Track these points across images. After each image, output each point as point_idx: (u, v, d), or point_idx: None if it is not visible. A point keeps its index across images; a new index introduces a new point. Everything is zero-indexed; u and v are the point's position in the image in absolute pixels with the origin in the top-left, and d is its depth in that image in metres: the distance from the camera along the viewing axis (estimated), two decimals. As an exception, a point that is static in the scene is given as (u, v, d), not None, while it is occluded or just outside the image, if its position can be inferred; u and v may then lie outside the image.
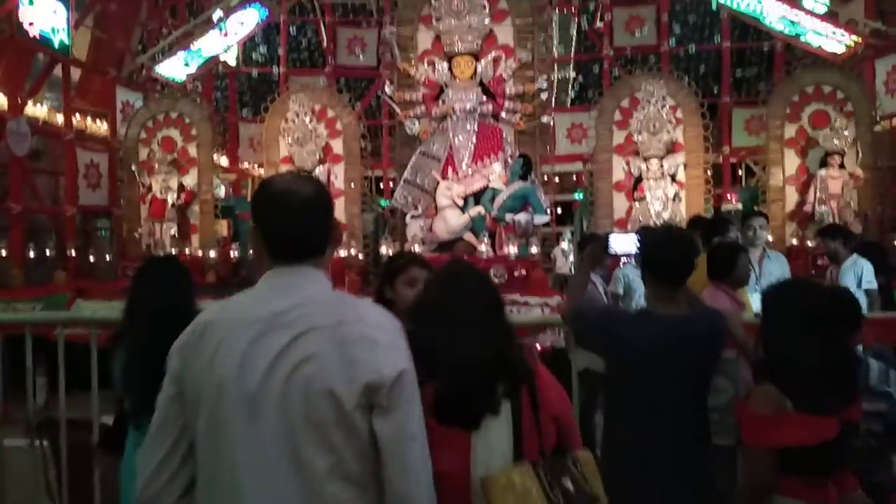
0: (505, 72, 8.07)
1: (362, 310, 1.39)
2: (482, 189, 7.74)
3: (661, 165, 8.27)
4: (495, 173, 7.73)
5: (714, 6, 11.21)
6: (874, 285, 4.64)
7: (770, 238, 6.54)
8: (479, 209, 7.62)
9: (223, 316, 1.38)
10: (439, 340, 1.68)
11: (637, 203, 8.36)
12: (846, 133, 8.39)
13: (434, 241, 7.74)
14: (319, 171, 9.10)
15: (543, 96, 8.58)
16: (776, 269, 4.41)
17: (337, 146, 9.43)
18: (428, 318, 1.76)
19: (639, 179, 8.40)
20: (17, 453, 3.35)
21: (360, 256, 8.94)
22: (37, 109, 9.42)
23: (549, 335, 5.24)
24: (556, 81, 14.32)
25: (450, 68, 8.04)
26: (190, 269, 2.77)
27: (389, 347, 1.33)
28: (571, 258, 11.36)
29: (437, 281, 1.91)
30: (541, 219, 7.63)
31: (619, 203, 8.62)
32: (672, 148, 8.40)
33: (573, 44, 16.22)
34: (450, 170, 7.89)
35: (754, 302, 3.36)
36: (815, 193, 8.36)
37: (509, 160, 7.77)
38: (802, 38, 9.77)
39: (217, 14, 11.27)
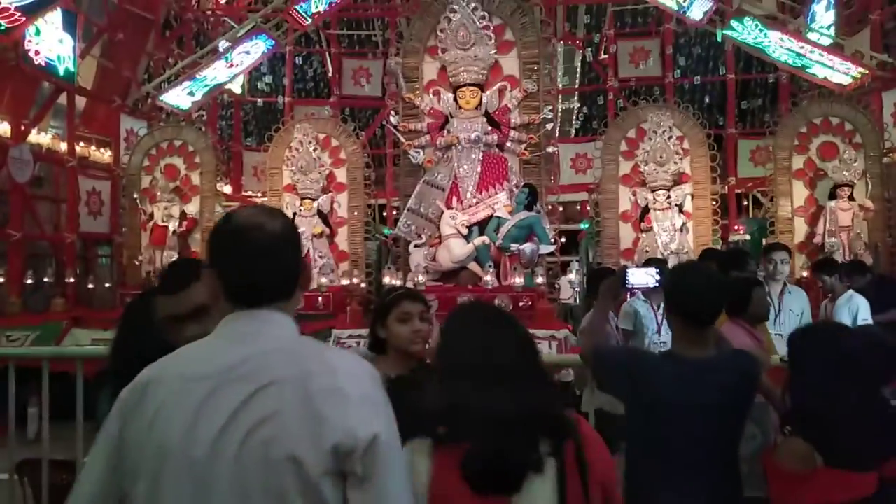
0: (510, 102, 8.05)
1: (331, 358, 1.20)
2: (487, 218, 7.64)
3: (669, 196, 8.23)
4: (500, 202, 7.65)
5: (719, 38, 11.25)
6: (870, 322, 4.53)
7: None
8: (484, 238, 7.50)
9: (169, 372, 1.20)
10: (468, 394, 1.48)
11: (644, 234, 8.29)
12: (855, 164, 8.35)
13: (438, 270, 7.62)
14: (323, 200, 9.10)
15: (548, 126, 8.56)
16: (796, 304, 4.22)
17: (341, 175, 9.45)
18: (453, 371, 1.57)
19: (645, 210, 8.34)
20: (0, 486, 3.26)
21: (363, 285, 8.85)
22: (40, 137, 9.42)
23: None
24: (560, 112, 14.37)
25: (455, 99, 8.02)
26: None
27: (363, 402, 1.14)
28: (578, 289, 11.22)
29: (459, 326, 1.67)
30: (546, 248, 7.51)
31: (626, 233, 8.59)
32: (679, 179, 8.38)
33: (577, 75, 16.37)
34: (454, 199, 7.81)
35: (775, 341, 3.21)
36: (825, 225, 8.32)
37: (514, 189, 7.69)
38: (808, 70, 9.76)
39: (223, 45, 11.36)
